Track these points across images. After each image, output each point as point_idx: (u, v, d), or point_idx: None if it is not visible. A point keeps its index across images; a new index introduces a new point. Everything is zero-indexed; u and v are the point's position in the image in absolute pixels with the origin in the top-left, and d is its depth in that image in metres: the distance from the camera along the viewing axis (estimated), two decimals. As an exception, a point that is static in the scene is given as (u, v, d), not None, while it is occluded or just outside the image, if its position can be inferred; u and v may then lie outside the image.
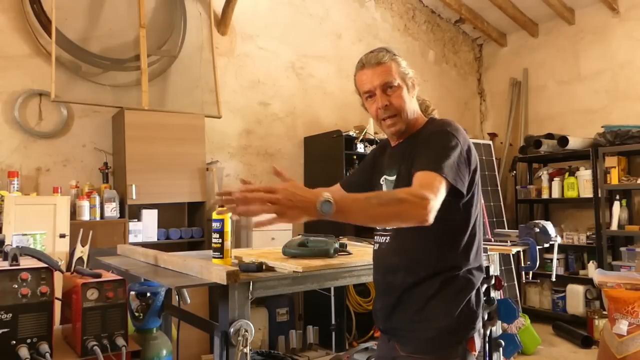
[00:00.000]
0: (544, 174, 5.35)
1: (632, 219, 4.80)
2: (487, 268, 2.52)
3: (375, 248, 1.66)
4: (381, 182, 1.67)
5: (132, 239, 3.58)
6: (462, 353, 1.43)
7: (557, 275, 3.42)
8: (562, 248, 5.05)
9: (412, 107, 1.57)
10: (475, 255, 1.51)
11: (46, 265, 1.53)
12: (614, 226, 4.68)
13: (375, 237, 1.65)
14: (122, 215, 3.59)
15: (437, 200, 1.30)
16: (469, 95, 6.44)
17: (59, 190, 3.48)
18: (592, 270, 4.60)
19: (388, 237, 1.58)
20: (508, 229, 5.07)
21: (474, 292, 1.49)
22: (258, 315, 3.99)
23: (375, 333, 3.88)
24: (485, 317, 2.46)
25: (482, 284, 1.56)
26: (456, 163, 1.41)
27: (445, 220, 1.38)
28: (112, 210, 3.54)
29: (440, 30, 6.18)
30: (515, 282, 5.19)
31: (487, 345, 2.54)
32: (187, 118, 3.89)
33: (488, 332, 2.52)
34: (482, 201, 1.63)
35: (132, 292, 2.06)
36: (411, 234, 1.45)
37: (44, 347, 1.44)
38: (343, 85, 5.14)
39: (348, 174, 4.19)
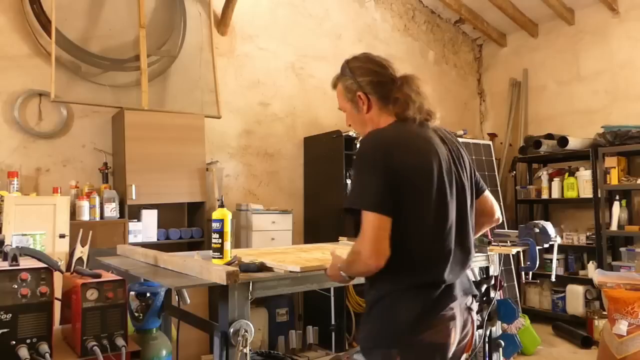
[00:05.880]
0: (543, 174, 5.35)
1: (632, 219, 4.80)
2: (487, 268, 2.53)
3: None
4: None
5: (131, 239, 3.58)
6: (383, 358, 1.47)
7: (556, 276, 3.42)
8: (562, 248, 5.05)
9: (365, 124, 1.61)
10: (404, 274, 1.46)
11: (46, 266, 1.54)
12: (614, 226, 4.68)
13: None
14: (122, 215, 3.59)
15: (370, 243, 1.40)
16: (469, 96, 6.44)
17: (59, 191, 3.48)
18: (592, 271, 4.60)
19: None
20: (508, 229, 5.06)
21: (399, 309, 1.46)
22: (258, 315, 3.99)
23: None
24: (485, 318, 2.46)
25: (439, 301, 1.48)
26: (369, 187, 1.42)
27: None
28: (111, 210, 3.54)
29: (440, 30, 6.18)
30: (515, 283, 5.19)
31: (486, 345, 2.54)
32: (187, 118, 3.89)
33: (488, 333, 2.52)
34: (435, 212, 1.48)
35: (132, 293, 2.06)
36: None
37: (44, 347, 1.44)
38: (343, 85, 5.13)
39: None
